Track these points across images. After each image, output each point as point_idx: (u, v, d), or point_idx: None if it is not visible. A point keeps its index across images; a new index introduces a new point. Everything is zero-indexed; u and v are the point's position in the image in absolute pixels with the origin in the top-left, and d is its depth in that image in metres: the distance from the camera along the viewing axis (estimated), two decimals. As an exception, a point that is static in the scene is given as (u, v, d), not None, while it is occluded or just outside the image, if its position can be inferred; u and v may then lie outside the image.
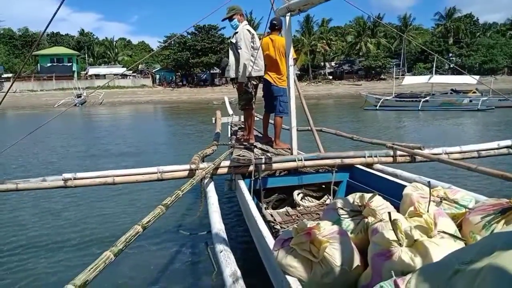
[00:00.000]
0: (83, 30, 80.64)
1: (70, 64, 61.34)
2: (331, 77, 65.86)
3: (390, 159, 4.14)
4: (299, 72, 60.11)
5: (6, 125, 21.71)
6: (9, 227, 5.19)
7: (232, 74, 4.84)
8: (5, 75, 54.67)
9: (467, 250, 1.25)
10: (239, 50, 4.65)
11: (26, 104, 38.25)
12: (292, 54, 4.08)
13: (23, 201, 6.22)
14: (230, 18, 4.88)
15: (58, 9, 2.56)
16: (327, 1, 2.83)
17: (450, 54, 62.47)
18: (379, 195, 2.43)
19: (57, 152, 11.81)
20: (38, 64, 59.77)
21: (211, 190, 3.44)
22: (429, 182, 2.37)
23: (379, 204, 2.34)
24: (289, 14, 3.79)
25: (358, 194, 2.45)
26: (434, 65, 26.50)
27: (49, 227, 5.15)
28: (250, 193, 3.51)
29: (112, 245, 1.73)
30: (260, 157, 4.03)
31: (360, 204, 2.36)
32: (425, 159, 4.02)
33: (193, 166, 3.79)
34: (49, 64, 59.72)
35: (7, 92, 3.41)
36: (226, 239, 2.35)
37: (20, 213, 5.76)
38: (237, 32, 4.75)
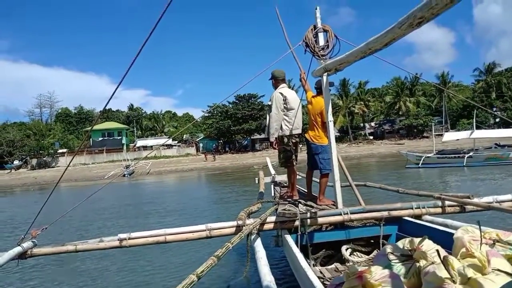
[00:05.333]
0: (132, 105, 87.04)
1: (120, 137, 65.43)
2: (371, 137, 65.31)
3: (439, 210, 4.04)
4: (338, 134, 60.20)
5: (63, 196, 23.17)
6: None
7: (265, 134, 5.17)
8: (60, 151, 58.69)
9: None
10: (270, 112, 4.99)
11: (79, 177, 40.43)
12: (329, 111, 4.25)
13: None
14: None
15: (113, 93, 2.94)
16: (362, 59, 3.00)
17: (495, 109, 60.57)
18: (428, 239, 2.41)
19: (109, 215, 12.49)
20: (91, 139, 64.01)
21: (258, 245, 3.49)
22: (478, 222, 2.33)
23: (430, 247, 2.32)
24: (326, 73, 4.03)
25: (408, 239, 2.44)
26: (474, 120, 25.75)
27: (107, 277, 5.65)
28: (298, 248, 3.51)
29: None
30: (305, 211, 4.06)
31: (410, 248, 2.34)
32: (475, 208, 3.90)
33: (240, 222, 3.88)
34: (100, 138, 64.03)
35: (66, 168, 3.84)
36: None
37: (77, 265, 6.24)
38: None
